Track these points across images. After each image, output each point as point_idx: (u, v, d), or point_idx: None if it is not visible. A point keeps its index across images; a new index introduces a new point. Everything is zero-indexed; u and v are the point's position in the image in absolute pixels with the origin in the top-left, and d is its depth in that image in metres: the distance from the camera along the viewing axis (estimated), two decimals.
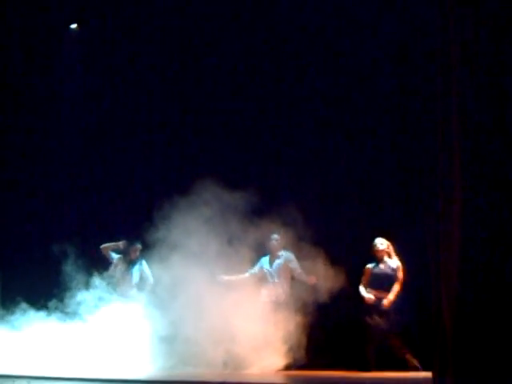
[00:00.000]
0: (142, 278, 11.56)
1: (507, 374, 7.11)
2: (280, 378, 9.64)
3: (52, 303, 11.09)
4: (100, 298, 11.07)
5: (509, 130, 7.34)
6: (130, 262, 11.64)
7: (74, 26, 13.54)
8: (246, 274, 11.24)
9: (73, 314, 10.96)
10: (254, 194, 10.62)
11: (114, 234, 11.90)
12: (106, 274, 11.43)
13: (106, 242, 11.80)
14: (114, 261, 11.66)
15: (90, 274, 11.26)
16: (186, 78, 12.79)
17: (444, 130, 7.73)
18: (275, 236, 11.24)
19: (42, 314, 11.06)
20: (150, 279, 11.44)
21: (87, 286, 11.20)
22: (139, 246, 11.58)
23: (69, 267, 11.31)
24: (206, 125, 12.42)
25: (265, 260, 11.40)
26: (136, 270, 11.59)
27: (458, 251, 7.53)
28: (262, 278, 11.30)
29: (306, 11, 11.99)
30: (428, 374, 7.83)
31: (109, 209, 12.91)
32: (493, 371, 7.16)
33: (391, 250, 10.63)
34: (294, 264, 11.22)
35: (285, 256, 11.32)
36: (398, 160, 11.40)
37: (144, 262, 11.55)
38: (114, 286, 11.34)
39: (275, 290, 11.17)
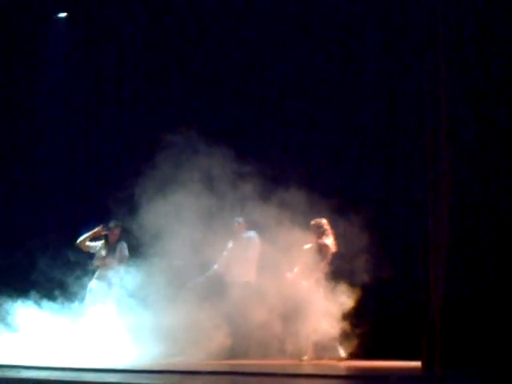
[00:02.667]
0: (120, 259, 11.32)
1: (494, 363, 7.26)
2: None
3: (38, 293, 11.16)
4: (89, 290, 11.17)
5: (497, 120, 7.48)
6: (111, 245, 11.41)
7: (62, 14, 13.48)
8: (222, 257, 11.23)
9: (62, 305, 11.02)
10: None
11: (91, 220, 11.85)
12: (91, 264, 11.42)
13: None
14: (97, 248, 11.47)
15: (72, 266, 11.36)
16: (174, 68, 12.80)
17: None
18: (238, 219, 11.13)
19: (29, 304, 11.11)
20: (125, 259, 11.27)
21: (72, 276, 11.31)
22: (118, 225, 11.38)
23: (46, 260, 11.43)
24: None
25: (229, 246, 11.30)
26: (117, 251, 11.36)
27: (445, 245, 7.66)
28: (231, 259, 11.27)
29: None
30: (417, 364, 7.94)
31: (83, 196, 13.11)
32: (480, 361, 7.31)
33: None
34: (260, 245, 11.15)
35: (248, 237, 11.25)
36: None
37: (124, 244, 11.38)
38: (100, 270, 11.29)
39: (242, 271, 11.16)
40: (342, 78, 11.69)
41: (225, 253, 11.29)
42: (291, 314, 10.29)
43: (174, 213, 10.75)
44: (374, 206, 10.94)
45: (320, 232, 10.59)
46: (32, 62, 13.82)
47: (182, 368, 8.89)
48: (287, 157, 11.52)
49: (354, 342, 10.16)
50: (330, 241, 10.53)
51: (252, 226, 11.07)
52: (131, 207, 10.88)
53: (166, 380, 7.74)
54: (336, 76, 11.72)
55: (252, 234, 11.21)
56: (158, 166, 10.77)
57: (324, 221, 10.63)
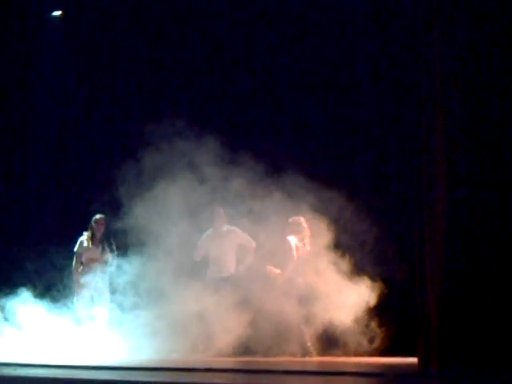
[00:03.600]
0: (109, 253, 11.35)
1: (491, 359, 7.27)
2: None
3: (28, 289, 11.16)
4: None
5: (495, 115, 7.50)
6: (98, 239, 11.40)
7: (57, 13, 13.45)
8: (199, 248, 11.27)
9: (55, 302, 11.04)
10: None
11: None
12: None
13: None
14: (84, 244, 11.43)
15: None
16: (167, 67, 12.81)
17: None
18: (219, 209, 11.14)
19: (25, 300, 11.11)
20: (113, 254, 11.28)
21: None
22: (102, 218, 11.37)
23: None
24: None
25: (207, 234, 11.32)
26: (105, 245, 11.38)
27: (442, 241, 7.66)
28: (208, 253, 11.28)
29: None
30: (413, 361, 7.95)
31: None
32: (477, 357, 7.31)
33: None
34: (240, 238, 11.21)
35: (228, 230, 11.27)
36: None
37: (111, 240, 11.39)
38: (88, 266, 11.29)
39: (220, 266, 11.19)
40: (334, 68, 11.72)
41: (202, 242, 11.24)
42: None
43: (163, 206, 10.80)
44: (366, 201, 10.90)
45: (296, 230, 10.64)
46: (26, 61, 13.81)
47: (177, 365, 8.91)
48: (279, 146, 11.60)
49: (350, 339, 10.27)
50: (298, 239, 10.61)
51: (244, 216, 11.01)
52: (118, 201, 10.97)
53: (161, 377, 7.73)
54: (329, 65, 11.77)
55: (233, 228, 11.20)
56: (146, 159, 10.83)
57: (302, 219, 10.66)
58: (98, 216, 11.44)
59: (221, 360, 9.94)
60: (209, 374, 7.96)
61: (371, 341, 10.30)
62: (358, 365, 9.22)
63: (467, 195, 7.59)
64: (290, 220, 10.72)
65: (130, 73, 12.97)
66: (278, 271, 10.64)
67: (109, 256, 11.31)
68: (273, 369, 8.33)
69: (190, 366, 8.80)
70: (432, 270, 7.71)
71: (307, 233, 10.69)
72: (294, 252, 10.59)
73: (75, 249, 11.43)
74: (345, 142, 11.60)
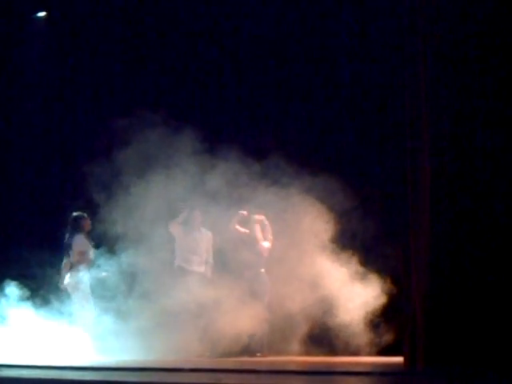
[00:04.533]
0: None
1: (476, 358, 7.28)
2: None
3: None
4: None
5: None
6: (88, 235, 11.36)
7: (41, 13, 13.42)
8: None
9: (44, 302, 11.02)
10: None
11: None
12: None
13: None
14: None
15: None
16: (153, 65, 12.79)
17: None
18: (195, 210, 11.13)
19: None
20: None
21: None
22: (84, 215, 11.29)
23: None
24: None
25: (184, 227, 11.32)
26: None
27: (427, 240, 7.67)
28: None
29: None
30: (399, 360, 7.96)
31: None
32: (462, 356, 7.32)
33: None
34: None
35: (204, 233, 11.27)
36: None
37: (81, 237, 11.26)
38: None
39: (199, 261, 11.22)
40: (318, 69, 11.71)
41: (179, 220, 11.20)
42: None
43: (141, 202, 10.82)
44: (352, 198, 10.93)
45: (260, 227, 10.72)
46: (9, 62, 13.77)
47: (163, 365, 8.89)
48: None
49: (337, 338, 10.28)
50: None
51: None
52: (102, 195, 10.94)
53: (147, 377, 7.71)
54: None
55: (209, 233, 11.26)
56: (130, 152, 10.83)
57: (263, 217, 10.77)
58: (78, 213, 11.35)
59: (204, 360, 9.93)
60: (193, 374, 7.94)
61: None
62: (344, 364, 9.23)
63: (451, 194, 7.61)
64: (256, 216, 10.79)
65: (112, 73, 12.95)
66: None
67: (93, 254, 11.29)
68: (258, 368, 8.32)
69: (175, 366, 8.77)
70: (417, 269, 7.72)
71: (269, 230, 10.89)
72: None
73: (80, 248, 11.28)
74: (328, 143, 11.60)
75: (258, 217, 10.98)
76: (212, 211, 10.94)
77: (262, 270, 10.87)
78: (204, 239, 11.26)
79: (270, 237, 10.91)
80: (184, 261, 11.13)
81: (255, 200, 10.78)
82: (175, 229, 11.16)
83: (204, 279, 10.98)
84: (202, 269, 11.14)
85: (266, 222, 10.94)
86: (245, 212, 10.98)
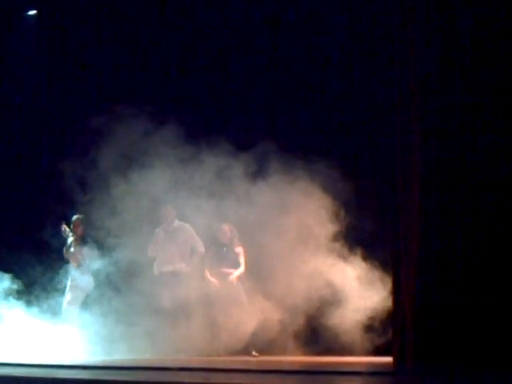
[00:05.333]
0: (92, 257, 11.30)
1: (466, 357, 7.32)
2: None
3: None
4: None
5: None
6: (77, 240, 11.37)
7: (32, 12, 13.37)
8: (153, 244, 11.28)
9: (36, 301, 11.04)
10: None
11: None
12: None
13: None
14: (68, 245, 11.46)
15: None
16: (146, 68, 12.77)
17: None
18: (167, 205, 11.13)
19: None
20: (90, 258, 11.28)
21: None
22: (79, 219, 11.35)
23: None
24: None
25: (157, 232, 11.33)
26: (88, 245, 11.33)
27: (416, 240, 7.70)
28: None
29: None
30: (389, 360, 7.98)
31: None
32: (451, 355, 7.37)
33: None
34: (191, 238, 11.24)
35: (180, 226, 11.27)
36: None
37: (91, 244, 11.34)
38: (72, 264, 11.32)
39: (169, 259, 11.21)
40: (309, 68, 11.64)
41: (154, 239, 11.23)
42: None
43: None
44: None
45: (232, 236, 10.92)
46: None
47: (152, 364, 8.88)
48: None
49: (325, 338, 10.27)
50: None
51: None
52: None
53: (137, 376, 7.68)
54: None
55: (185, 225, 11.21)
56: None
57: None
58: (74, 217, 11.43)
59: (194, 359, 9.93)
60: (182, 373, 7.93)
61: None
62: (333, 364, 9.24)
63: (441, 194, 7.66)
64: (228, 228, 10.99)
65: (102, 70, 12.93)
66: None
67: (86, 256, 11.29)
68: (251, 368, 8.32)
69: (164, 365, 8.75)
70: (406, 269, 7.74)
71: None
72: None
73: (67, 249, 11.44)
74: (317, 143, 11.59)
75: (226, 226, 11.01)
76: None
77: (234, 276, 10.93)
78: (178, 234, 11.23)
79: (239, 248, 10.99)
80: (157, 267, 11.19)
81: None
82: (153, 252, 11.20)
83: (176, 277, 10.99)
84: (171, 267, 11.11)
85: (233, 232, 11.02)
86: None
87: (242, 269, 10.94)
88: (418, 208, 7.76)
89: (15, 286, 11.12)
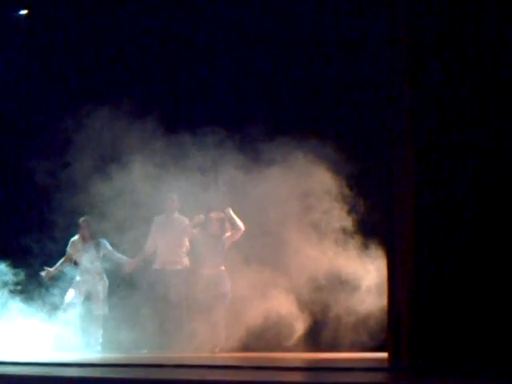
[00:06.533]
0: (104, 255, 11.45)
1: (461, 354, 7.35)
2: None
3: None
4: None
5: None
6: (85, 242, 11.48)
7: (23, 12, 13.35)
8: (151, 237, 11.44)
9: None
10: None
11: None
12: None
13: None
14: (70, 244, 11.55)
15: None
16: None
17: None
18: (171, 195, 11.24)
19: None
20: (115, 255, 11.42)
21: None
22: (84, 221, 11.44)
23: None
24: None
25: (156, 222, 11.43)
26: (95, 244, 11.45)
27: (412, 235, 7.72)
28: None
29: None
30: (384, 355, 8.01)
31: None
32: (447, 352, 7.39)
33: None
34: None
35: (180, 218, 11.37)
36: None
37: (103, 241, 11.46)
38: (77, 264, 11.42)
39: (168, 255, 11.32)
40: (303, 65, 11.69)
41: (153, 229, 11.28)
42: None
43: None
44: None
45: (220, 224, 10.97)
46: None
47: (147, 362, 8.89)
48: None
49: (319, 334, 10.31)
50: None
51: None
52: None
53: (131, 374, 7.68)
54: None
55: (185, 219, 11.29)
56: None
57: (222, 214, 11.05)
58: (80, 219, 11.48)
59: (189, 357, 9.95)
60: (178, 371, 7.95)
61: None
62: (327, 360, 9.27)
63: (437, 191, 7.66)
64: (213, 215, 11.04)
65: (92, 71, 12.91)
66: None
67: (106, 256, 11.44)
68: (251, 365, 8.35)
69: (159, 362, 8.76)
70: (402, 265, 7.78)
71: (229, 226, 11.07)
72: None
73: (68, 249, 11.55)
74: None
75: (214, 215, 11.01)
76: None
77: (223, 267, 10.94)
78: (176, 226, 11.28)
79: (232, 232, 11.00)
80: (160, 261, 11.25)
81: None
82: (151, 247, 11.29)
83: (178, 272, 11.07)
84: (178, 266, 11.18)
85: (227, 215, 11.01)
86: (201, 216, 11.06)
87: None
88: (413, 204, 7.78)
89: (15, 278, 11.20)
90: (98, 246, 11.42)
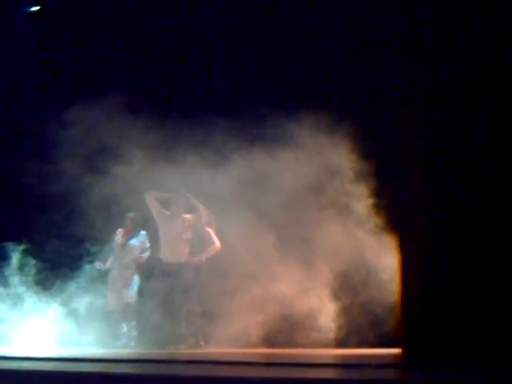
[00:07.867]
0: (142, 250, 11.52)
1: (475, 350, 7.29)
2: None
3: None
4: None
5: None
6: (127, 235, 11.56)
7: (34, 8, 13.33)
8: None
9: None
10: None
11: None
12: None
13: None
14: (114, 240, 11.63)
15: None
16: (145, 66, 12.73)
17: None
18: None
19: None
20: (147, 252, 11.49)
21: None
22: (130, 216, 11.54)
23: None
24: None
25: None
26: (135, 241, 11.52)
27: (425, 231, 7.68)
28: None
29: None
30: (397, 351, 7.94)
31: None
32: (460, 347, 7.34)
33: None
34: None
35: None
36: None
37: (144, 234, 11.54)
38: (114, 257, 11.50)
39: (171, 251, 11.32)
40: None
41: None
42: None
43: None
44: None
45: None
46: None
47: (156, 357, 8.84)
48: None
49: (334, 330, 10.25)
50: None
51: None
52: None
53: (135, 369, 7.64)
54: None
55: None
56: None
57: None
58: (129, 214, 11.58)
59: (198, 352, 9.91)
60: (183, 366, 7.89)
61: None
62: (340, 356, 9.21)
63: (447, 187, 7.63)
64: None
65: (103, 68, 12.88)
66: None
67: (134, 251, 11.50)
68: (247, 360, 8.29)
69: (166, 358, 8.73)
70: (414, 260, 7.72)
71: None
72: None
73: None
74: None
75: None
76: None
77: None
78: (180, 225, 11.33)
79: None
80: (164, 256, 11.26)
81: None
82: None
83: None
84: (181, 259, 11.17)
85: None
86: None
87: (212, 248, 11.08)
88: (424, 202, 7.74)
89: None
90: (138, 239, 11.53)
